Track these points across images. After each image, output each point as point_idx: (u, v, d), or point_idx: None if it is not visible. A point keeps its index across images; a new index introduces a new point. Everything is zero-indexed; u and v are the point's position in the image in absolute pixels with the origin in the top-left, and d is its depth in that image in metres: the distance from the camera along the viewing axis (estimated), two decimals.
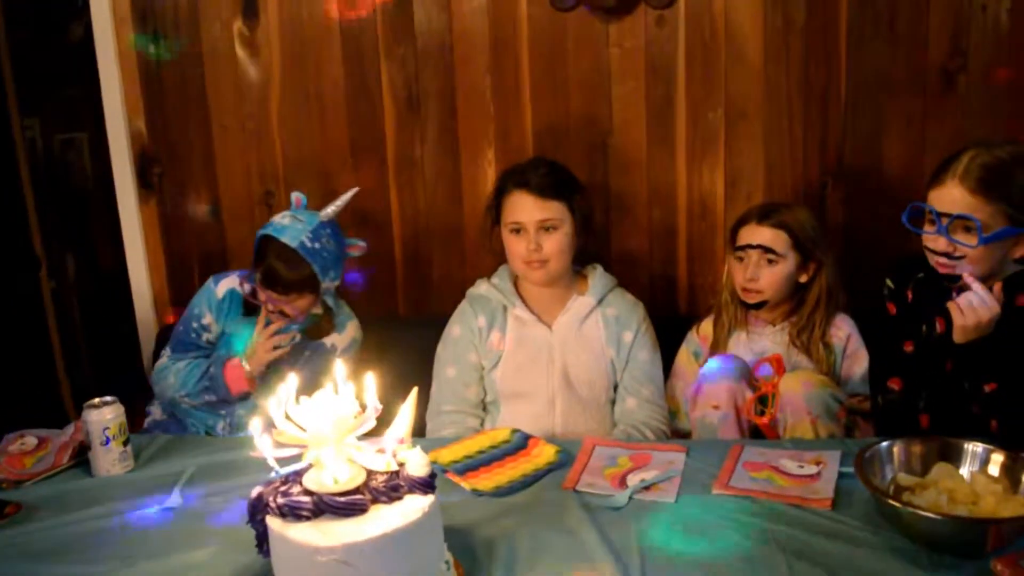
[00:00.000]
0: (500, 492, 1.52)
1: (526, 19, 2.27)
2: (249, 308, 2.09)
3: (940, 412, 1.69)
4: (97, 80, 2.46)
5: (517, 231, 2.00)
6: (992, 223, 1.56)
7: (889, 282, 1.82)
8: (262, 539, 1.21)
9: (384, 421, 1.23)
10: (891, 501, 1.27)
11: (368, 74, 2.35)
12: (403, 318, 2.46)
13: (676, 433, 2.02)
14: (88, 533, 1.45)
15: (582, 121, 2.30)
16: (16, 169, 3.08)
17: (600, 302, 2.06)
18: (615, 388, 2.05)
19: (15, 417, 1.90)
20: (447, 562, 1.21)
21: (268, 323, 2.05)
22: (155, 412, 2.20)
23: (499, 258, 2.12)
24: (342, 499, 1.13)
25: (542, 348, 2.03)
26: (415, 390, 1.32)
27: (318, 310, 2.09)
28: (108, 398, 1.68)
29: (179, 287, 2.53)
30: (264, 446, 1.17)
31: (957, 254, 1.59)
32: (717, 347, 2.05)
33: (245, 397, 2.09)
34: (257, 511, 1.20)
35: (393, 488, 1.16)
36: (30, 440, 1.72)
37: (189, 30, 2.38)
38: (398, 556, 1.12)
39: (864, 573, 1.23)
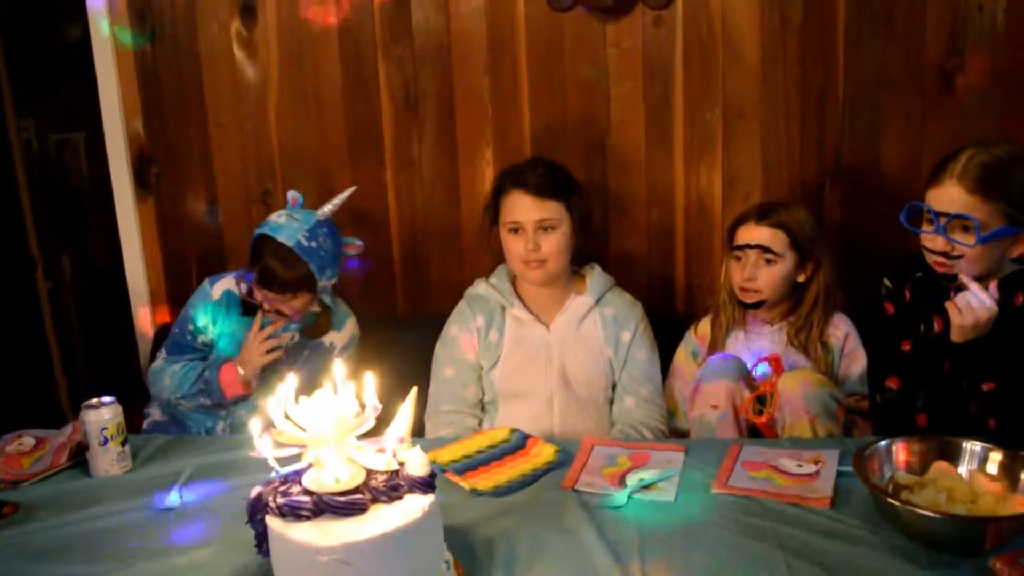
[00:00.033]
0: (499, 492, 1.52)
1: (523, 19, 2.27)
2: (247, 308, 2.09)
3: (938, 411, 1.69)
4: (93, 80, 2.45)
5: (515, 231, 2.00)
6: (990, 222, 1.57)
7: (887, 281, 1.82)
8: (261, 539, 1.21)
9: (383, 421, 1.23)
10: (890, 500, 1.27)
11: (366, 74, 2.35)
12: (401, 318, 2.46)
13: (674, 432, 2.02)
14: (86, 533, 1.45)
15: (580, 121, 2.31)
16: (12, 170, 3.07)
17: (598, 302, 2.06)
18: (613, 388, 2.05)
19: (12, 418, 1.89)
20: (447, 562, 1.21)
21: (264, 324, 2.04)
22: (154, 413, 2.19)
23: (497, 258, 2.12)
24: (342, 499, 1.13)
25: (540, 348, 2.03)
26: (415, 389, 1.31)
27: (315, 309, 2.09)
28: (106, 398, 1.67)
29: (176, 287, 2.53)
30: (264, 446, 1.17)
31: (955, 253, 1.60)
32: (715, 347, 2.05)
33: (241, 400, 2.08)
34: (256, 511, 1.19)
35: (393, 488, 1.16)
36: (28, 440, 1.72)
37: (187, 30, 2.38)
38: (398, 556, 1.12)
39: (863, 572, 1.23)
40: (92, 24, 2.39)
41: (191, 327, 2.11)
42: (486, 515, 1.43)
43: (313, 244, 1.96)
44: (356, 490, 1.15)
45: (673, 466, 1.57)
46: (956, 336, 1.59)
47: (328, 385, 1.21)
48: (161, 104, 2.44)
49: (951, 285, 1.62)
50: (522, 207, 1.98)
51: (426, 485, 1.18)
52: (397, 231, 2.43)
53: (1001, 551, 1.20)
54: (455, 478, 1.56)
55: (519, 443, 1.70)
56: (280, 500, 1.14)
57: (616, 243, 2.36)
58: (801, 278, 1.99)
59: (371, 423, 1.21)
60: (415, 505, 1.15)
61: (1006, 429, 1.58)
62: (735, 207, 2.21)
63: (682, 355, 2.11)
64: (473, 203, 2.33)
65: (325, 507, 1.12)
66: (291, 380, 1.22)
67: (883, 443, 1.41)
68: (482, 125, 2.34)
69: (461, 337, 2.07)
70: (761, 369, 1.90)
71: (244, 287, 2.07)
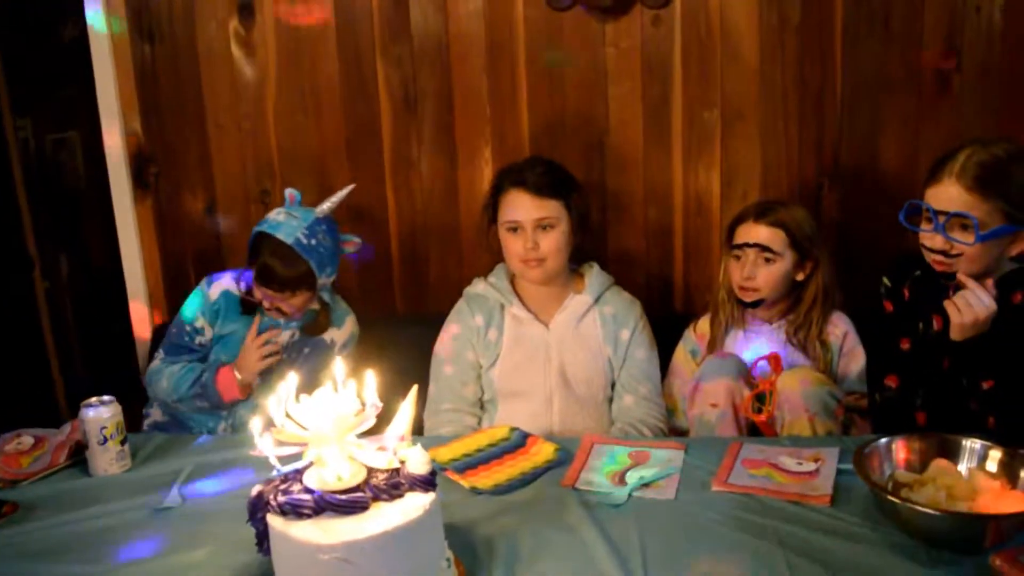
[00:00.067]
0: (499, 490, 1.52)
1: (522, 19, 2.27)
2: (247, 307, 2.08)
3: (937, 409, 1.69)
4: (90, 80, 2.45)
5: (514, 230, 2.00)
6: (989, 221, 1.57)
7: (886, 280, 1.83)
8: (262, 538, 1.21)
9: (382, 419, 1.23)
10: (890, 497, 1.27)
11: (364, 74, 2.35)
12: (400, 317, 2.46)
13: (673, 431, 2.02)
14: (86, 533, 1.45)
15: (578, 121, 2.31)
16: (9, 169, 3.07)
17: (597, 300, 2.06)
18: (612, 386, 2.05)
19: (9, 417, 1.89)
20: (448, 560, 1.21)
21: (262, 330, 2.04)
22: (154, 413, 2.18)
23: (496, 257, 2.12)
24: (343, 497, 1.13)
25: (539, 346, 2.03)
26: (415, 388, 1.31)
27: (315, 306, 2.09)
28: (105, 397, 1.67)
29: (174, 287, 2.52)
30: (265, 445, 1.17)
31: (954, 252, 1.60)
32: (714, 345, 2.05)
33: (240, 402, 2.08)
34: (257, 509, 1.19)
35: (394, 486, 1.16)
36: (26, 439, 1.72)
37: (184, 29, 2.37)
38: (399, 554, 1.12)
39: (863, 569, 1.23)
40: (90, 23, 2.38)
41: (188, 328, 2.10)
42: (486, 513, 1.43)
43: (313, 241, 1.96)
44: (357, 488, 1.15)
45: (673, 464, 1.57)
46: (955, 334, 1.59)
47: (329, 383, 1.21)
48: (159, 103, 2.43)
49: (950, 283, 1.62)
50: (521, 206, 1.98)
51: (427, 483, 1.18)
52: (396, 230, 2.43)
53: (1001, 548, 1.20)
54: (455, 476, 1.56)
55: (519, 441, 1.70)
56: (281, 498, 1.14)
57: (614, 242, 2.37)
58: (800, 277, 1.99)
59: (372, 421, 1.21)
60: (416, 503, 1.15)
61: (1005, 427, 1.58)
62: (733, 206, 2.21)
63: (681, 354, 2.11)
64: (472, 202, 2.33)
65: (326, 505, 1.13)
66: (292, 378, 1.22)
67: (883, 441, 1.42)
68: (481, 124, 2.34)
69: (460, 336, 2.06)
70: (760, 368, 1.90)
71: (243, 285, 2.07)
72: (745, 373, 1.87)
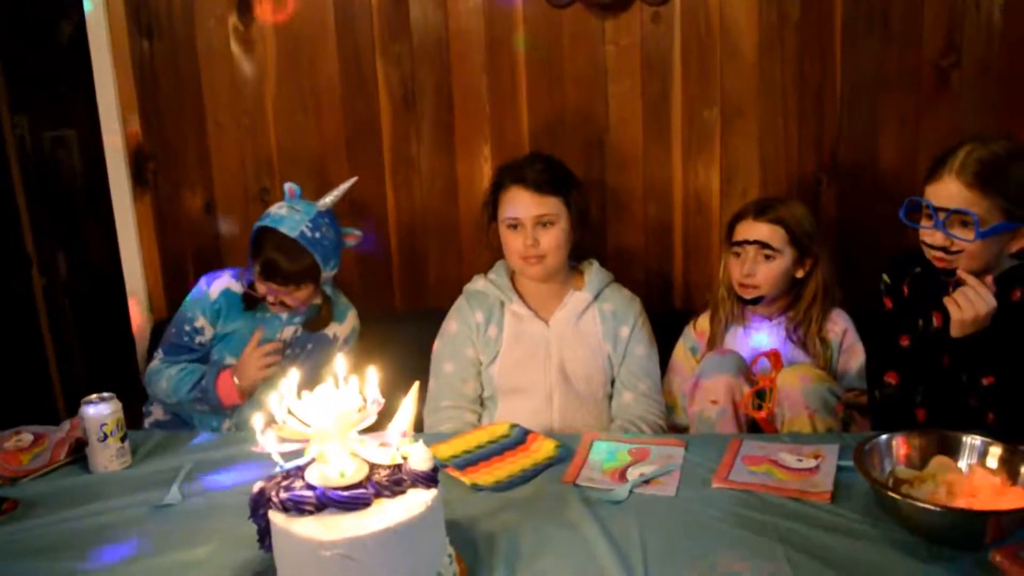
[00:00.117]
0: (500, 487, 1.52)
1: (522, 16, 2.27)
2: (249, 303, 2.08)
3: (937, 406, 1.70)
4: (87, 77, 2.44)
5: (514, 226, 2.00)
6: (989, 217, 1.57)
7: (886, 277, 1.83)
8: (264, 534, 1.21)
9: (382, 416, 1.23)
10: (890, 493, 1.28)
11: (364, 71, 2.35)
12: (400, 314, 2.46)
13: (673, 428, 2.03)
14: (86, 530, 1.44)
15: (578, 118, 2.31)
16: (7, 166, 3.07)
17: (597, 297, 2.06)
18: (612, 383, 2.05)
19: (8, 415, 1.89)
20: (449, 556, 1.21)
21: (264, 341, 2.03)
22: (155, 412, 2.17)
23: (496, 254, 2.12)
24: (345, 493, 1.13)
25: (539, 343, 2.03)
26: (416, 384, 1.32)
27: (317, 300, 2.09)
28: (105, 394, 1.67)
29: (173, 284, 2.51)
30: (268, 441, 1.17)
31: (954, 248, 1.61)
32: (714, 342, 2.06)
33: (238, 407, 2.08)
34: (259, 506, 1.19)
35: (396, 482, 1.16)
36: (26, 436, 1.71)
37: (184, 26, 2.36)
38: (402, 550, 1.12)
39: (864, 565, 1.24)
40: (88, 20, 2.37)
41: (188, 328, 2.09)
42: (487, 510, 1.43)
43: (317, 234, 1.96)
44: (359, 484, 1.15)
45: (673, 461, 1.57)
46: (955, 331, 1.59)
47: (331, 379, 1.21)
48: (158, 101, 2.42)
49: (950, 280, 1.63)
50: (521, 203, 1.98)
51: (429, 479, 1.18)
52: (395, 228, 2.43)
53: (1001, 544, 1.21)
54: (456, 473, 1.56)
55: (519, 438, 1.71)
56: (283, 495, 1.14)
57: (614, 239, 2.37)
58: (799, 274, 1.99)
59: (373, 418, 1.21)
60: (418, 499, 1.15)
61: (1005, 423, 1.59)
62: (733, 203, 2.21)
63: (681, 351, 2.12)
64: (471, 199, 2.33)
65: (328, 502, 1.12)
66: (293, 375, 1.22)
67: (883, 437, 1.42)
68: (480, 122, 2.34)
69: (460, 333, 2.06)
70: (760, 364, 1.90)
71: (245, 282, 2.06)
72: (745, 370, 1.87)
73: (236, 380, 2.01)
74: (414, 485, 1.17)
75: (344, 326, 2.15)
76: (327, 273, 2.01)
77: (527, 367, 2.02)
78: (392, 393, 1.26)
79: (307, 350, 2.12)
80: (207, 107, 2.41)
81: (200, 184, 2.46)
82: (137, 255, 2.50)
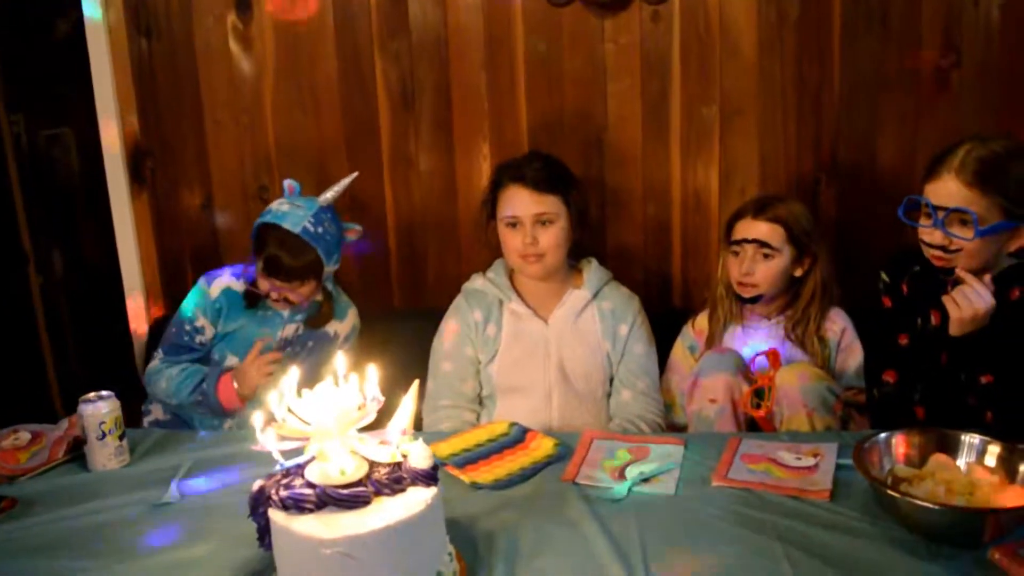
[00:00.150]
0: (499, 485, 1.51)
1: (521, 14, 2.27)
2: (251, 301, 2.08)
3: (935, 404, 1.70)
4: (84, 75, 2.43)
5: (513, 225, 2.00)
6: (988, 216, 1.57)
7: (884, 275, 1.83)
8: (264, 532, 1.21)
9: (381, 415, 1.23)
10: (890, 491, 1.28)
11: (362, 69, 2.34)
12: (399, 313, 2.45)
13: (672, 427, 2.03)
14: (85, 528, 1.44)
15: (577, 117, 2.31)
16: (3, 165, 3.06)
17: (596, 296, 2.06)
18: (611, 381, 2.05)
19: (4, 414, 1.88)
20: (449, 554, 1.21)
21: (266, 350, 2.03)
22: (155, 411, 2.16)
23: (494, 252, 2.12)
24: (345, 491, 1.12)
25: (538, 342, 2.03)
26: (416, 382, 1.32)
27: (319, 297, 2.09)
28: (104, 392, 1.67)
29: (171, 283, 2.51)
30: (268, 439, 1.16)
31: (953, 247, 1.61)
32: (712, 341, 2.06)
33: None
34: (259, 504, 1.19)
35: (396, 480, 1.16)
36: (24, 435, 1.71)
37: (182, 24, 2.36)
38: (402, 548, 1.12)
39: (863, 563, 1.24)
40: (87, 18, 2.36)
41: (188, 327, 2.08)
42: (487, 508, 1.43)
43: (320, 229, 1.96)
44: (359, 483, 1.15)
45: (673, 459, 1.57)
46: (954, 329, 1.60)
47: (332, 377, 1.21)
48: (156, 98, 2.42)
49: (948, 279, 1.63)
50: (520, 201, 1.98)
51: (429, 478, 1.18)
52: (394, 226, 2.43)
53: (1000, 543, 1.21)
54: (455, 471, 1.56)
55: (518, 437, 1.70)
56: (283, 493, 1.13)
57: (613, 238, 2.37)
58: (798, 272, 1.99)
59: (373, 415, 1.21)
60: (418, 498, 1.15)
61: (1003, 422, 1.59)
62: (732, 202, 2.21)
63: (679, 350, 2.12)
64: (470, 198, 2.33)
65: (328, 500, 1.12)
66: (293, 373, 1.22)
67: (882, 436, 1.42)
68: (479, 120, 2.34)
69: (459, 332, 2.06)
70: (759, 363, 1.90)
71: (247, 279, 2.06)
72: (744, 369, 1.87)
73: (236, 385, 2.00)
74: (414, 483, 1.17)
75: (345, 324, 2.15)
76: (330, 268, 2.01)
77: (526, 366, 2.02)
78: (391, 392, 1.26)
79: (308, 348, 2.11)
80: (205, 105, 2.40)
81: (198, 182, 2.46)
82: (135, 253, 2.50)
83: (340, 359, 1.24)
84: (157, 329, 2.41)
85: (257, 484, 1.20)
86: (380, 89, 2.35)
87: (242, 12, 2.34)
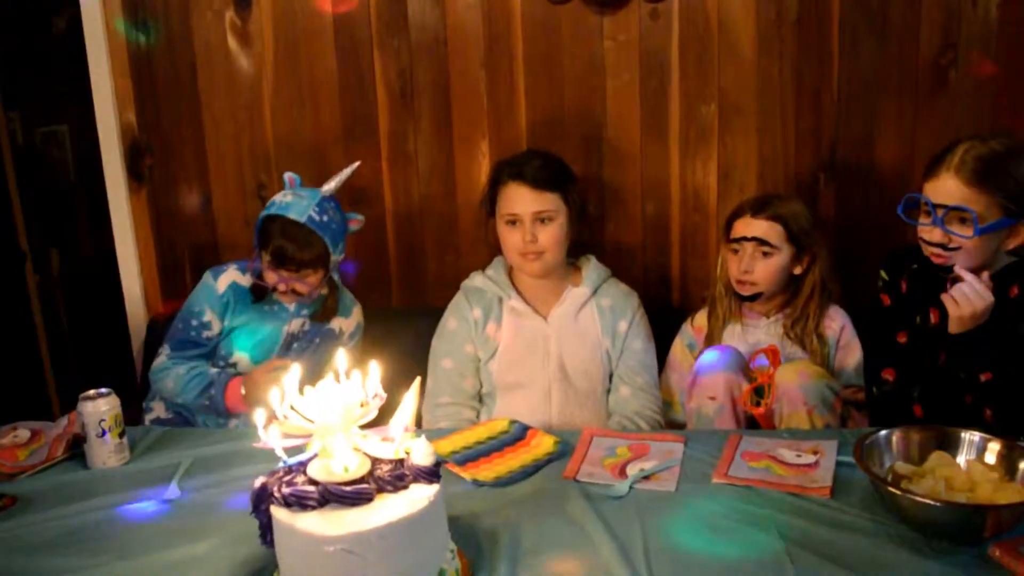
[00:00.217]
0: (501, 482, 1.52)
1: (520, 12, 2.27)
2: (258, 295, 2.07)
3: (934, 402, 1.70)
4: (81, 72, 2.42)
5: (513, 223, 2.00)
6: (987, 214, 1.58)
7: (883, 273, 1.83)
8: (266, 529, 1.20)
9: (382, 412, 1.23)
10: (890, 488, 1.28)
11: (362, 66, 2.34)
12: (398, 310, 2.45)
13: (671, 424, 2.03)
14: (85, 526, 1.44)
15: (576, 114, 2.31)
16: (0, 163, 3.05)
17: (595, 293, 2.07)
18: (611, 378, 2.05)
19: (2, 412, 1.88)
20: (452, 551, 1.21)
21: (272, 344, 2.04)
22: (157, 409, 2.14)
23: (494, 250, 2.12)
24: (348, 488, 1.12)
25: (538, 339, 2.03)
26: (418, 380, 1.31)
27: (324, 290, 2.09)
28: (103, 390, 1.66)
29: (170, 280, 2.51)
30: (271, 436, 1.16)
31: (952, 245, 1.61)
32: (711, 339, 2.06)
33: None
34: (261, 501, 1.19)
35: (398, 477, 1.16)
36: (23, 433, 1.71)
37: (180, 20, 2.35)
38: (404, 545, 1.12)
39: (863, 560, 1.24)
40: (85, 14, 2.35)
41: (195, 322, 2.06)
42: (488, 506, 1.43)
43: (324, 218, 1.96)
44: (362, 480, 1.15)
45: (673, 457, 1.57)
46: (954, 327, 1.60)
47: (334, 374, 1.21)
48: (154, 95, 2.41)
49: (947, 277, 1.63)
50: (520, 199, 1.98)
51: (431, 474, 1.18)
52: (393, 223, 2.43)
53: (1000, 539, 1.21)
54: (456, 469, 1.56)
55: (519, 434, 1.71)
56: (285, 490, 1.13)
57: (612, 236, 2.37)
58: (797, 270, 2.00)
59: (375, 412, 1.21)
60: (421, 494, 1.15)
61: (1003, 419, 1.59)
62: (730, 200, 2.22)
63: (679, 348, 2.12)
64: (469, 195, 2.33)
65: (331, 497, 1.12)
66: (295, 371, 1.21)
67: (882, 433, 1.42)
68: (478, 117, 2.34)
69: (459, 329, 2.06)
70: (759, 361, 1.91)
71: (253, 273, 2.05)
72: (743, 366, 1.88)
73: (243, 391, 1.99)
74: (416, 480, 1.17)
75: (349, 321, 2.15)
76: (335, 257, 2.01)
77: (526, 363, 2.02)
78: (391, 390, 1.25)
79: (315, 344, 2.11)
80: (204, 101, 2.40)
81: (196, 179, 2.45)
82: (133, 250, 2.49)
83: (341, 356, 1.24)
84: (155, 327, 2.41)
85: (259, 481, 1.19)
86: (379, 87, 2.35)
87: (241, 8, 2.33)
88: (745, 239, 1.96)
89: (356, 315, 2.17)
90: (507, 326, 2.04)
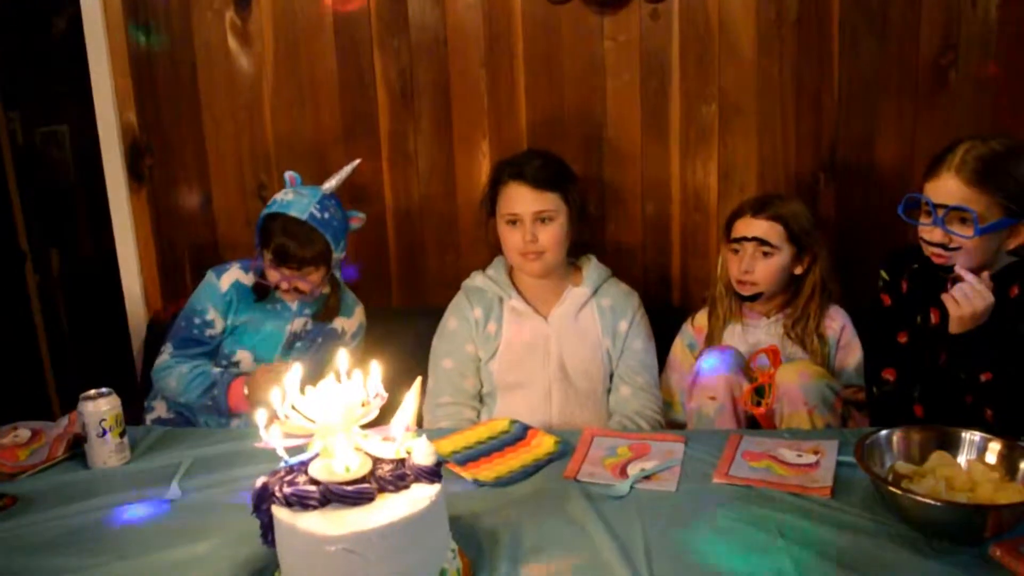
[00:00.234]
0: (501, 482, 1.52)
1: (520, 12, 2.27)
2: (260, 293, 2.07)
3: (934, 402, 1.70)
4: (81, 72, 2.42)
5: (513, 222, 2.00)
6: (988, 214, 1.58)
7: (884, 273, 1.84)
8: (267, 529, 1.20)
9: (383, 411, 1.23)
10: (891, 488, 1.28)
11: (362, 66, 2.34)
12: (398, 310, 2.45)
13: (671, 424, 2.03)
14: (85, 526, 1.44)
15: (576, 114, 2.31)
16: (0, 163, 3.05)
17: (595, 292, 2.07)
18: (611, 378, 2.06)
19: (2, 412, 1.88)
20: (453, 551, 1.21)
21: (275, 338, 2.04)
22: (158, 408, 2.14)
23: (494, 250, 2.12)
24: (350, 488, 1.12)
25: (538, 339, 2.04)
26: (419, 379, 1.32)
27: (326, 289, 2.09)
28: (104, 389, 1.66)
29: (170, 279, 2.51)
30: (272, 436, 1.16)
31: (953, 245, 1.61)
32: (712, 339, 2.06)
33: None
34: (262, 501, 1.19)
35: (400, 477, 1.16)
36: (23, 432, 1.71)
37: (181, 20, 2.35)
38: (405, 545, 1.12)
39: (864, 560, 1.24)
40: (85, 15, 2.35)
41: (198, 320, 2.06)
42: (489, 505, 1.43)
43: (326, 215, 1.96)
44: (363, 479, 1.15)
45: (674, 457, 1.57)
46: (954, 327, 1.60)
47: (335, 374, 1.21)
48: (154, 95, 2.41)
49: (948, 277, 1.63)
50: (520, 199, 1.98)
51: (432, 474, 1.18)
52: (393, 223, 2.43)
53: (1001, 539, 1.21)
54: (457, 468, 1.55)
55: (519, 434, 1.71)
56: (287, 490, 1.13)
57: (612, 236, 2.37)
58: (798, 270, 2.00)
59: (376, 412, 1.21)
60: (422, 494, 1.15)
61: (1003, 419, 1.60)
62: (731, 200, 2.22)
63: (679, 348, 2.12)
64: (469, 195, 2.33)
65: (332, 496, 1.12)
66: (296, 370, 1.21)
67: (883, 433, 1.42)
68: (478, 117, 2.34)
69: (459, 329, 2.06)
70: (759, 361, 1.91)
71: (255, 271, 2.05)
72: (744, 366, 1.88)
73: (246, 391, 1.98)
74: (417, 480, 1.17)
75: (352, 321, 2.15)
76: (337, 255, 2.01)
77: (526, 363, 2.02)
78: (392, 390, 1.25)
79: (317, 344, 2.12)
80: (204, 101, 2.40)
81: (197, 179, 2.45)
82: (133, 250, 2.49)
83: (342, 355, 1.24)
84: (155, 327, 2.41)
85: (261, 480, 1.19)
86: (379, 87, 2.35)
87: (241, 8, 2.33)
88: (745, 239, 1.96)
89: (358, 315, 2.17)
90: (508, 326, 2.05)
